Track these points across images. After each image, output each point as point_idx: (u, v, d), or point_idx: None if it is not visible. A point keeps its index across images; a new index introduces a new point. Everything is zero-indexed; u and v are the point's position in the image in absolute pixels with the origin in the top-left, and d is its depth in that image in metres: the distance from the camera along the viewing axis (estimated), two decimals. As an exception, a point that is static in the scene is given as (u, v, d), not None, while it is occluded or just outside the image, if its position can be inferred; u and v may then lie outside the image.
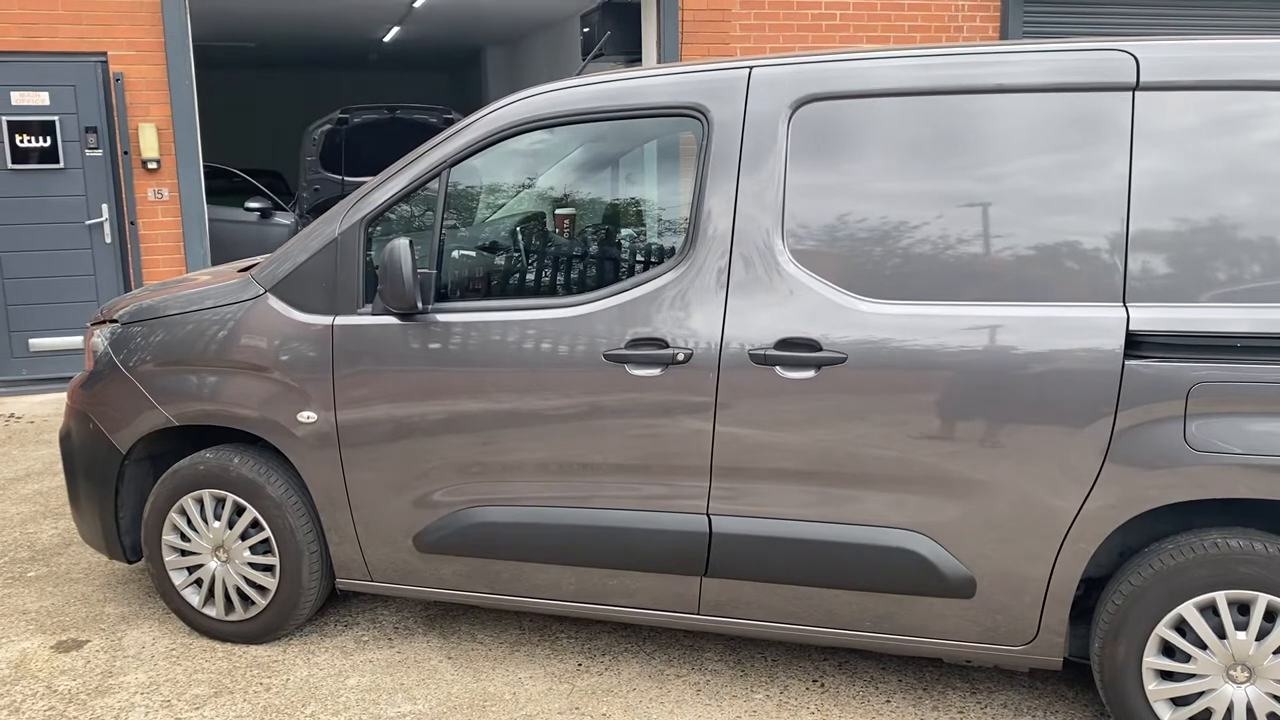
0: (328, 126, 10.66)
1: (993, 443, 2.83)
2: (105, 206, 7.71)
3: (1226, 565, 2.71)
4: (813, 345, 2.94)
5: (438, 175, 3.33)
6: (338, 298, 3.41)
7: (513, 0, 10.90)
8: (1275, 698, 2.72)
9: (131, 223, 7.73)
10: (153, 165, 7.67)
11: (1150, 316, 2.71)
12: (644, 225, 4.10)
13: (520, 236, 3.85)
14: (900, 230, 2.91)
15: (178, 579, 3.73)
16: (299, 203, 11.14)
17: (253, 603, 3.65)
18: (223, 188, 10.88)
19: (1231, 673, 2.74)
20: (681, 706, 3.28)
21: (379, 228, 3.41)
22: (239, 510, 3.61)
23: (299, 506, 3.54)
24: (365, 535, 3.48)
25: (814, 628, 3.14)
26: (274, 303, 3.49)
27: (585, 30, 9.41)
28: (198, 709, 3.28)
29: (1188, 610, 2.75)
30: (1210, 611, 2.75)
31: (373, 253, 3.40)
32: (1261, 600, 2.69)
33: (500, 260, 3.72)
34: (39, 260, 7.64)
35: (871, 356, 2.89)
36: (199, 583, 3.72)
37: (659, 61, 8.60)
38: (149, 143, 7.61)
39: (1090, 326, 2.74)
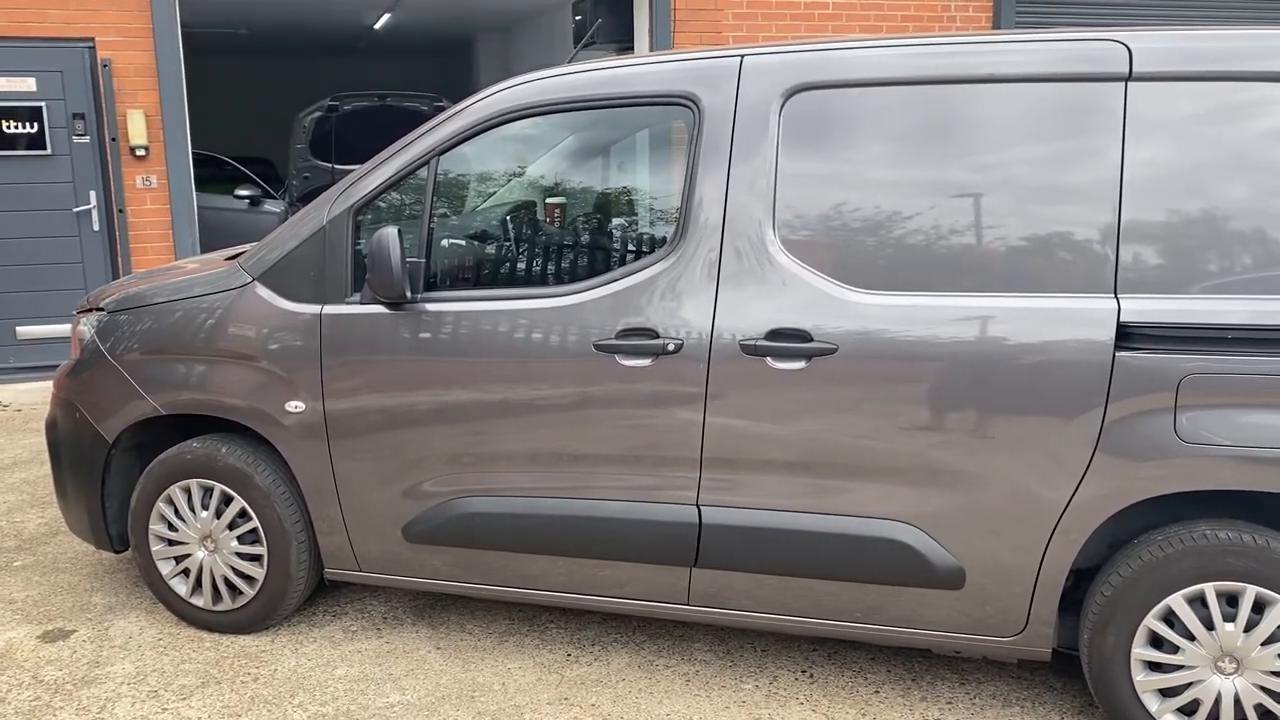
0: (318, 114, 10.58)
1: (983, 433, 2.82)
2: (93, 194, 7.65)
3: (1215, 557, 2.71)
4: (804, 336, 2.93)
5: (426, 163, 3.30)
6: (326, 286, 3.38)
7: (505, -13, 10.85)
8: (1263, 689, 2.73)
9: (120, 210, 7.67)
10: (141, 152, 7.60)
11: (1141, 308, 2.71)
12: (635, 214, 4.08)
13: (510, 225, 3.82)
14: (892, 220, 2.90)
15: (165, 569, 3.71)
16: (289, 190, 11.07)
17: (240, 593, 3.64)
18: (212, 175, 10.80)
19: (1220, 664, 2.75)
20: (671, 696, 3.28)
21: (367, 216, 3.39)
22: (226, 500, 3.59)
23: (287, 496, 3.52)
24: (354, 525, 3.47)
25: (803, 618, 3.14)
26: (262, 291, 3.47)
27: (577, 18, 9.36)
28: (185, 699, 3.27)
29: (1176, 602, 2.76)
30: (1199, 603, 2.75)
31: (361, 241, 3.38)
32: (1250, 592, 2.70)
33: (490, 249, 3.70)
34: (26, 247, 7.57)
35: (862, 347, 2.88)
36: (186, 572, 3.70)
37: (651, 50, 8.56)
38: (137, 129, 7.54)
39: (1081, 318, 2.74)
